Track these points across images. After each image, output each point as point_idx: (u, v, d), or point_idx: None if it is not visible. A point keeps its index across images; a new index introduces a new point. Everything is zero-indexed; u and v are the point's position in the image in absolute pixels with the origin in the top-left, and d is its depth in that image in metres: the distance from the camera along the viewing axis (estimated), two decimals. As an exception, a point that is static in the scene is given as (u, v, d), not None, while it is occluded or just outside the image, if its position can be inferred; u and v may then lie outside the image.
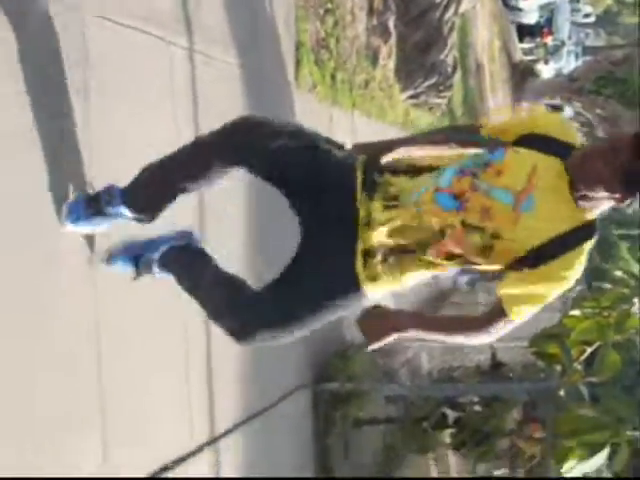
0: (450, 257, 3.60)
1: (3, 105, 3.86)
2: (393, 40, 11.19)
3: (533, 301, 3.54)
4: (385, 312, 3.69)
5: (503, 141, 3.65)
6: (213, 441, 5.80)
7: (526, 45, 33.95)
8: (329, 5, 8.96)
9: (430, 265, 3.67)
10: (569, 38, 38.36)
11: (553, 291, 3.52)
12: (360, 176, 3.71)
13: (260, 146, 3.72)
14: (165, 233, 4.41)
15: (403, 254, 3.65)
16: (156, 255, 4.30)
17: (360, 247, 3.66)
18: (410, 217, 3.57)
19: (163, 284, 4.46)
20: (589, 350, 7.59)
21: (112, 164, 4.42)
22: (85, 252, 4.30)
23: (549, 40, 34.71)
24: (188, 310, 5.14)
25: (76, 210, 4.09)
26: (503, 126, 3.75)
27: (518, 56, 32.76)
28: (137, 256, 4.39)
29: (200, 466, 5.59)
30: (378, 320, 3.63)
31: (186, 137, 5.45)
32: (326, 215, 3.74)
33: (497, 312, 3.59)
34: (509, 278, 3.57)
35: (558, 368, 7.76)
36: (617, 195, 3.37)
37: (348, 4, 9.71)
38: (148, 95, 5.21)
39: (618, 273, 8.43)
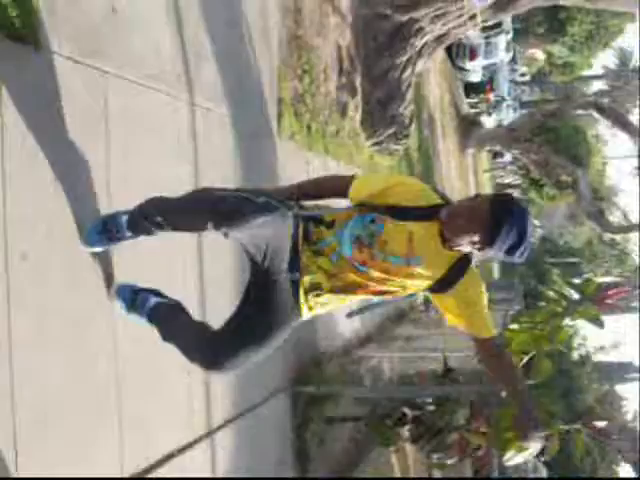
0: (380, 293, 3.99)
1: (51, 151, 4.02)
2: (359, 96, 11.23)
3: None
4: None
5: (375, 207, 3.85)
6: (209, 434, 5.84)
7: (472, 100, 34.07)
8: (306, 66, 9.01)
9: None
10: (508, 94, 38.58)
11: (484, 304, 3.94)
12: (302, 227, 3.91)
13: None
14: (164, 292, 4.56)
15: (334, 293, 3.96)
16: (148, 302, 4.42)
17: (303, 286, 3.94)
18: (332, 267, 3.88)
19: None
20: (526, 358, 7.62)
21: (126, 198, 4.55)
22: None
23: (491, 96, 34.84)
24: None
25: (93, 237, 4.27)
26: (371, 193, 3.87)
27: (465, 109, 32.89)
28: (134, 297, 4.47)
29: (198, 455, 5.65)
30: None
31: (187, 176, 5.64)
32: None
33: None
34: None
35: None
36: (477, 243, 3.65)
37: (321, 65, 9.75)
38: (157, 142, 5.34)
39: (551, 293, 8.50)
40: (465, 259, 3.86)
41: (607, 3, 13.07)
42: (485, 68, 32.44)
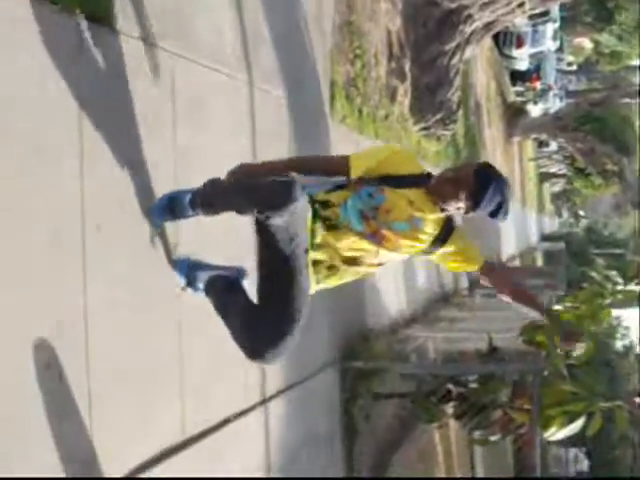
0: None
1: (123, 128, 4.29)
2: (408, 81, 11.39)
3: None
4: None
5: (372, 180, 4.13)
6: (263, 402, 6.08)
7: (518, 88, 33.91)
8: (357, 51, 9.22)
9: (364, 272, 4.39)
10: (555, 83, 38.36)
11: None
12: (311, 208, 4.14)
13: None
14: (222, 264, 4.82)
15: (347, 265, 4.24)
16: (205, 276, 4.71)
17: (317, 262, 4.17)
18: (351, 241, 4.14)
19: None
20: None
21: (191, 173, 4.79)
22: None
23: (538, 84, 34.67)
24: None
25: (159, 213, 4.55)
26: (369, 168, 4.14)
27: (511, 97, 32.82)
28: (193, 270, 4.76)
29: (253, 422, 5.90)
30: None
31: (246, 153, 5.88)
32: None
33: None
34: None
35: (543, 353, 7.95)
36: (461, 207, 4.07)
37: (372, 50, 9.96)
38: (219, 121, 5.59)
39: (593, 274, 8.67)
40: (451, 220, 4.30)
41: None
42: (532, 56, 32.29)
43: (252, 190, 4.02)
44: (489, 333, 8.81)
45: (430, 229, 4.22)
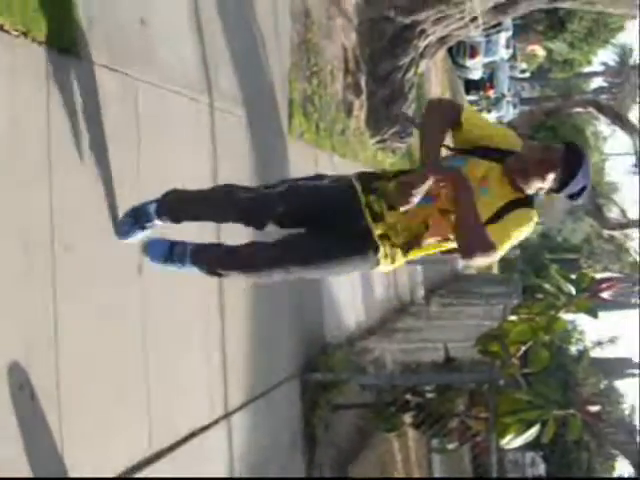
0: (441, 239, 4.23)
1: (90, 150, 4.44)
2: (364, 96, 11.59)
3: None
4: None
5: (464, 150, 4.16)
6: (226, 415, 6.21)
7: (472, 97, 34.27)
8: (314, 68, 9.39)
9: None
10: (508, 91, 38.69)
11: (513, 235, 4.07)
12: (359, 185, 4.24)
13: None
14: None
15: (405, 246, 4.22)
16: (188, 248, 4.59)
17: (377, 232, 4.18)
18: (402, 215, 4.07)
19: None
20: (524, 348, 7.93)
21: (155, 191, 4.93)
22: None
23: (491, 93, 35.01)
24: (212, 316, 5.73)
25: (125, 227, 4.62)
26: (472, 133, 4.17)
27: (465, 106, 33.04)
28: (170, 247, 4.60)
29: (216, 435, 6.02)
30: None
31: (208, 172, 6.06)
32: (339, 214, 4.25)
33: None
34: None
35: (499, 362, 8.06)
36: (544, 188, 4.02)
37: (329, 67, 10.14)
38: (181, 141, 5.75)
39: (548, 286, 8.87)
40: (525, 200, 4.12)
41: (605, 5, 13.40)
42: (485, 65, 32.59)
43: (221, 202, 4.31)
44: (445, 343, 9.00)
45: (491, 203, 4.04)
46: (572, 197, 4.09)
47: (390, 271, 4.54)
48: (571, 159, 3.97)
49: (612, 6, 13.57)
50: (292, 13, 8.93)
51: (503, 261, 40.06)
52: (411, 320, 14.16)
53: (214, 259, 4.57)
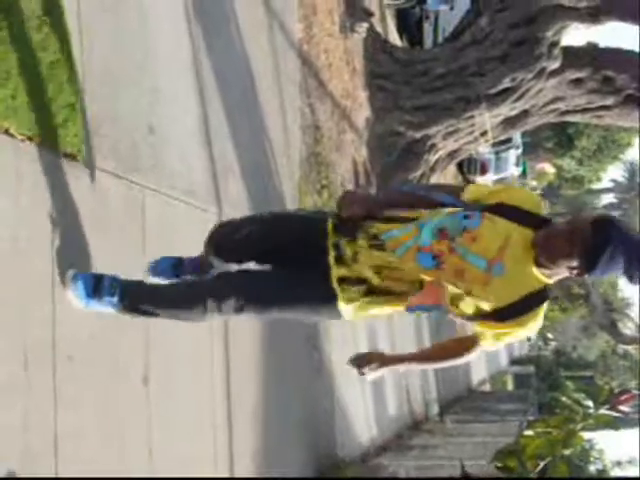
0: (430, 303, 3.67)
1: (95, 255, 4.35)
2: (375, 209, 11.61)
3: (501, 338, 3.68)
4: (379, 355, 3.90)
5: (481, 206, 3.63)
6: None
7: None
8: (324, 181, 9.42)
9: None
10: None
11: (516, 335, 3.65)
12: (331, 223, 3.80)
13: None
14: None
15: (381, 295, 3.70)
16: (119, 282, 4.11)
17: (335, 274, 3.71)
18: (394, 261, 3.60)
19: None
20: (542, 463, 7.71)
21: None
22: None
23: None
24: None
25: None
26: (482, 194, 3.71)
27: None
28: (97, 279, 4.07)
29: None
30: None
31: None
32: (305, 253, 3.83)
33: (473, 342, 3.78)
34: (482, 324, 3.64)
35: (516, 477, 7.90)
36: (576, 268, 3.43)
37: (339, 180, 10.17)
38: (187, 251, 5.66)
39: (564, 399, 8.66)
40: (545, 292, 3.60)
41: (613, 119, 13.48)
42: (496, 182, 32.82)
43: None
44: (461, 460, 8.75)
45: (506, 289, 3.50)
46: (630, 279, 3.42)
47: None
48: (599, 230, 3.35)
49: (619, 120, 13.64)
50: (302, 126, 8.97)
51: (516, 377, 39.73)
52: (426, 437, 13.90)
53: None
